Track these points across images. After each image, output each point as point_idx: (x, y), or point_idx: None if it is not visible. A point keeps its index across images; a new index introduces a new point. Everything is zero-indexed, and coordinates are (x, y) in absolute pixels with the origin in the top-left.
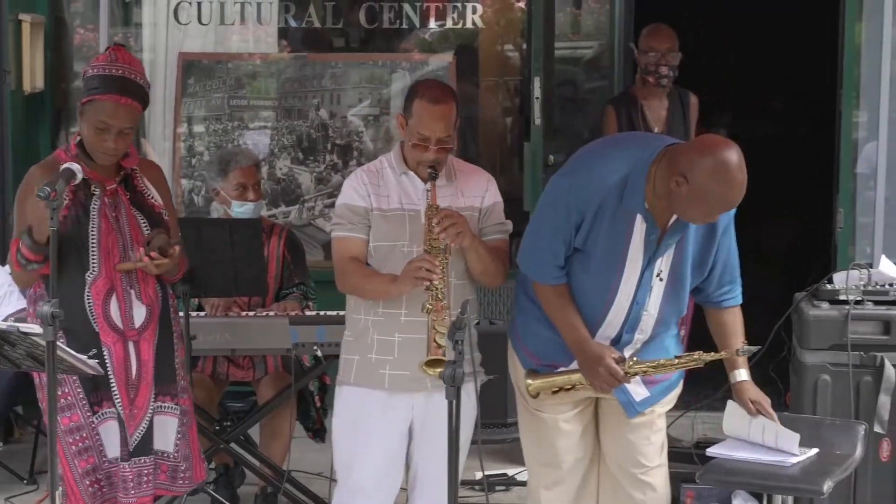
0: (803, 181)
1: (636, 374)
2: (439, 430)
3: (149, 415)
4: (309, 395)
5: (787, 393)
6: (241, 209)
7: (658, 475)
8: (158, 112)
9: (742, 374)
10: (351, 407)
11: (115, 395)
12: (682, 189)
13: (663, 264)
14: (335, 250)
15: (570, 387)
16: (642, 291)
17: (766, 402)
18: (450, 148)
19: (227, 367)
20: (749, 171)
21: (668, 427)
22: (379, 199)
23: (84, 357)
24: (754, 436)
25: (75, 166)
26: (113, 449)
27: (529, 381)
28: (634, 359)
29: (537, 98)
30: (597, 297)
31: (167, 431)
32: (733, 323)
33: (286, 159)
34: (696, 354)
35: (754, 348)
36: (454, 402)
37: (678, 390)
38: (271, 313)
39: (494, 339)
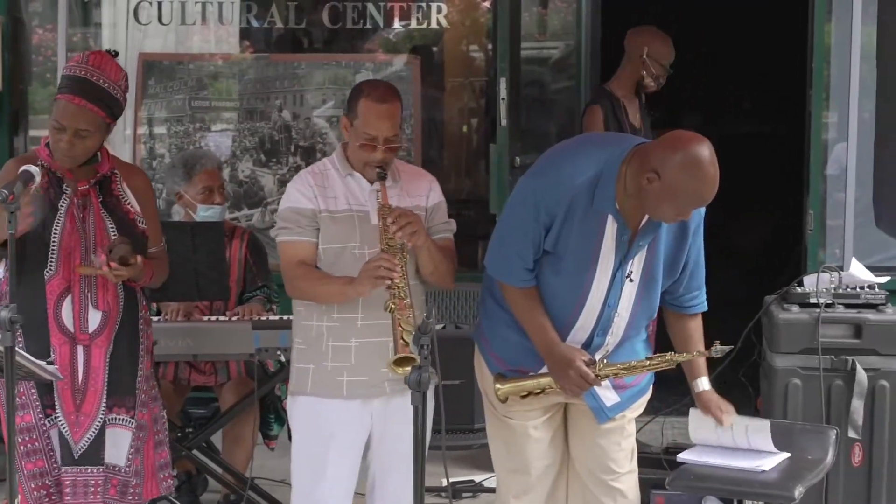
0: (774, 179)
1: (607, 376)
2: (398, 435)
3: (97, 423)
4: (272, 401)
5: (758, 397)
6: (206, 213)
7: (628, 481)
8: None
9: (704, 383)
10: (309, 417)
11: (56, 401)
12: (653, 186)
13: (634, 265)
14: (283, 255)
15: (539, 391)
16: (613, 293)
17: (730, 410)
18: (397, 147)
19: (188, 373)
20: (720, 168)
21: (637, 432)
22: (326, 201)
23: (43, 363)
24: (724, 439)
25: (34, 169)
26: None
27: (498, 386)
28: (605, 361)
29: (503, 99)
30: (567, 299)
31: (120, 445)
32: (697, 329)
33: (248, 161)
34: (668, 356)
35: (727, 348)
36: (420, 407)
37: (648, 395)
38: (234, 318)
39: (460, 343)
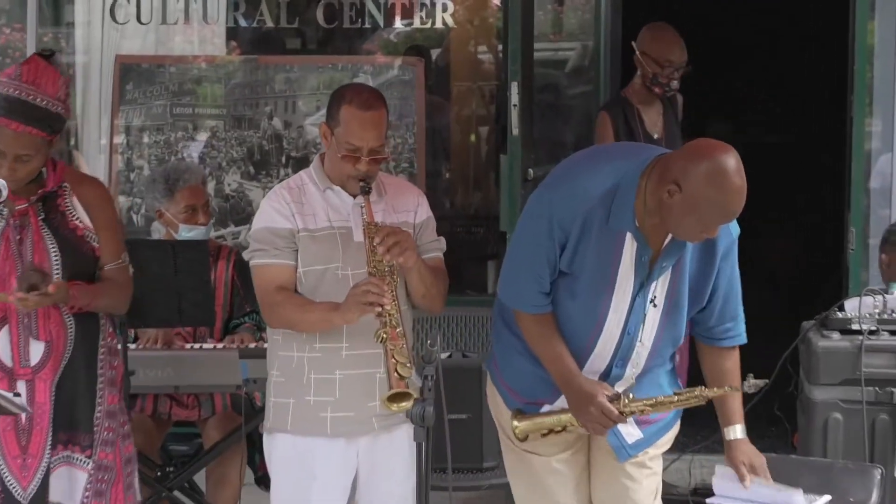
0: (811, 193)
1: (632, 413)
2: (389, 476)
3: (44, 465)
4: (259, 437)
5: (795, 433)
6: (189, 234)
7: None
8: (93, 121)
9: (738, 431)
10: (289, 458)
11: None
12: (674, 199)
13: (658, 289)
14: (258, 281)
15: (560, 429)
16: (634, 319)
17: (761, 463)
18: (382, 159)
19: (169, 406)
20: (752, 181)
21: (663, 471)
22: (304, 219)
23: (9, 395)
24: (751, 496)
25: (1, 182)
26: None
27: (516, 423)
28: (630, 396)
29: (515, 105)
30: (584, 325)
31: (72, 487)
32: (732, 365)
33: (235, 174)
34: (698, 391)
35: (761, 382)
36: (424, 444)
37: (675, 430)
38: (220, 346)
39: (468, 373)
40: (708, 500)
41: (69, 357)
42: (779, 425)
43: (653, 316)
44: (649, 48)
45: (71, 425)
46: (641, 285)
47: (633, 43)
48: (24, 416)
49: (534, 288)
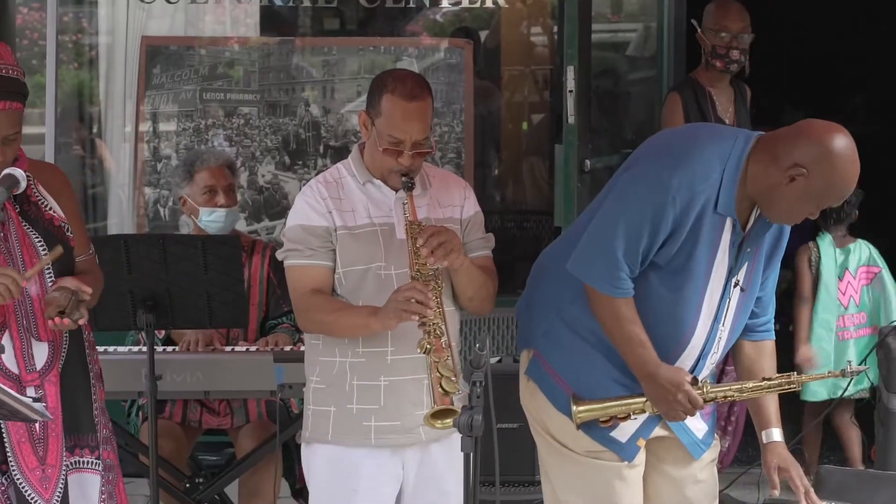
0: (890, 187)
1: (714, 399)
2: (436, 489)
3: (63, 473)
4: (297, 446)
5: (872, 446)
6: (209, 217)
7: None
8: (117, 107)
9: (775, 435)
10: (329, 470)
11: (10, 457)
12: (796, 183)
13: (742, 273)
14: (292, 283)
15: (623, 416)
16: (723, 306)
17: (795, 470)
18: (427, 152)
19: (199, 413)
20: None
21: (728, 486)
22: (343, 216)
23: (28, 400)
24: None
25: (19, 172)
26: None
27: (577, 408)
28: (709, 382)
29: (571, 91)
30: (684, 318)
31: (89, 493)
32: (773, 360)
33: (270, 164)
34: (792, 376)
35: (861, 368)
36: (472, 455)
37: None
38: (253, 348)
39: (518, 379)
40: None
41: (65, 356)
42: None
43: (736, 299)
44: (706, 20)
45: (76, 428)
46: (730, 270)
47: (693, 21)
48: (38, 425)
49: (625, 270)
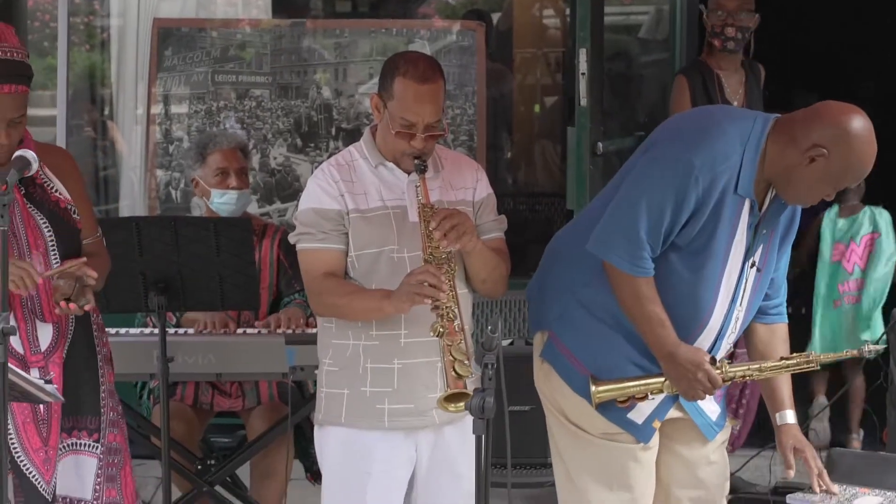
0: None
1: (732, 378)
2: (449, 472)
3: (58, 454)
4: (310, 427)
5: (885, 429)
6: (221, 199)
7: None
8: (129, 90)
9: (788, 417)
10: (343, 453)
11: (13, 439)
12: (817, 164)
13: (758, 253)
14: (304, 266)
15: (641, 396)
16: (739, 287)
17: (810, 451)
18: (439, 135)
19: (211, 395)
20: None
21: (740, 469)
22: (355, 199)
23: (40, 382)
24: None
25: (31, 154)
26: None
27: (595, 388)
28: (726, 361)
29: (583, 74)
30: (703, 298)
31: (83, 474)
32: (786, 342)
33: (282, 146)
34: (811, 355)
35: (880, 347)
36: (483, 437)
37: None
38: (264, 331)
39: (531, 362)
40: (789, 498)
41: (71, 337)
42: (867, 420)
43: (752, 279)
44: (709, 1)
45: (77, 410)
46: (747, 251)
47: (701, 5)
48: (42, 406)
49: (647, 249)
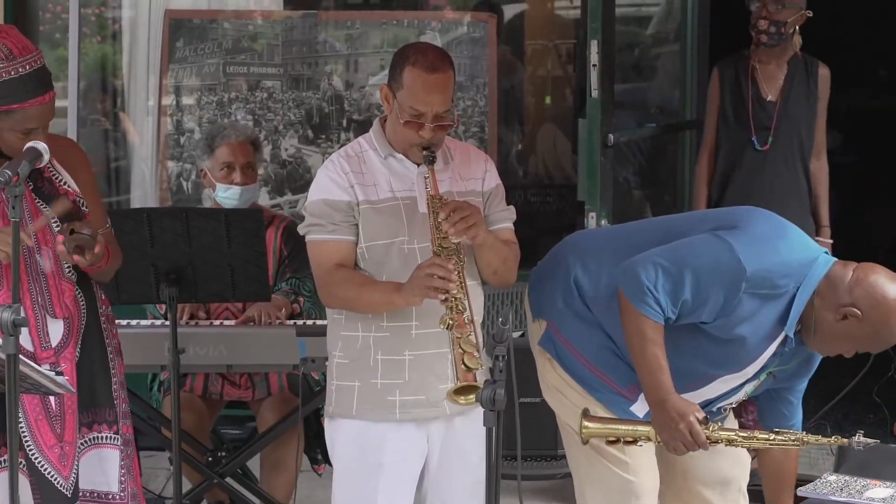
0: None
1: (718, 441)
2: (461, 463)
3: (78, 451)
4: (320, 420)
5: (895, 422)
6: (224, 194)
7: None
8: (140, 81)
9: None
10: (354, 445)
11: (26, 437)
12: (847, 323)
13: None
14: (314, 258)
15: (630, 440)
16: (749, 382)
17: None
18: (449, 125)
19: (221, 386)
20: (853, 148)
21: (753, 459)
22: (365, 190)
23: (52, 373)
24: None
25: (41, 145)
26: None
27: (586, 424)
28: (719, 424)
29: (595, 65)
30: (705, 373)
31: (107, 468)
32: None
33: (293, 138)
34: (800, 434)
35: (871, 442)
36: (494, 429)
37: None
38: (249, 324)
39: None
40: (800, 491)
41: (83, 331)
42: (877, 412)
43: (764, 381)
44: None
45: (93, 403)
46: (765, 366)
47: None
48: (54, 402)
49: (671, 302)
